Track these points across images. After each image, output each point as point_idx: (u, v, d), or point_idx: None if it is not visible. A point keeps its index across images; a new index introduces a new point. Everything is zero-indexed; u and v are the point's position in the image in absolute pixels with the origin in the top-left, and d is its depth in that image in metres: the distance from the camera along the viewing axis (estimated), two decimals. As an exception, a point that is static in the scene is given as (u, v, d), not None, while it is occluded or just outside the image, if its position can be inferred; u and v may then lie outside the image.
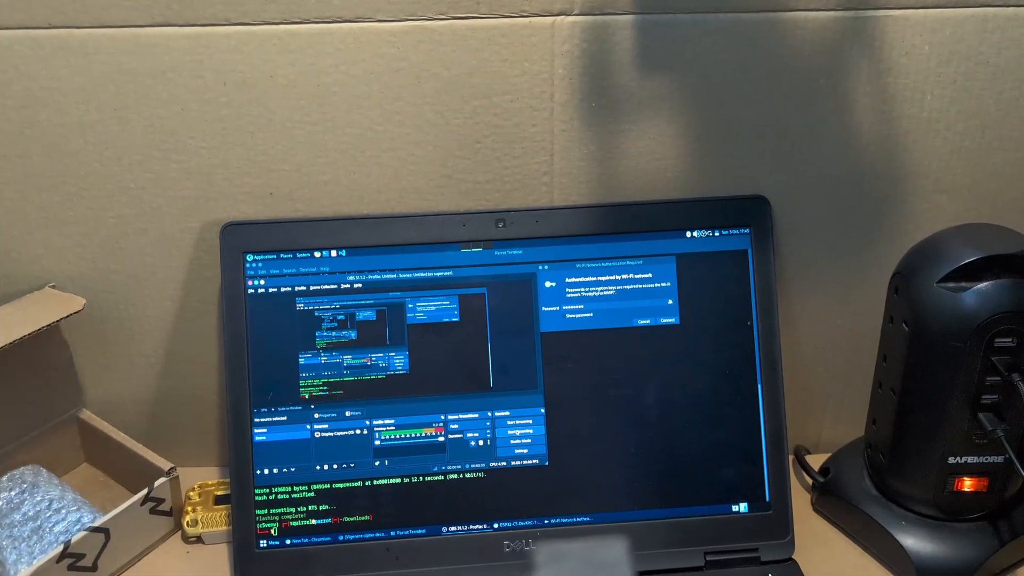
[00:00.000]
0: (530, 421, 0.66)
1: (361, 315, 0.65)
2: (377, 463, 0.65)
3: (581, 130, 0.65)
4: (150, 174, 0.66)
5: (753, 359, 0.66)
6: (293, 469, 0.65)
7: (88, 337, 0.71)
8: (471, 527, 0.65)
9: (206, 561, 0.68)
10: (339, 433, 0.65)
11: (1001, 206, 0.68)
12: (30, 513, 0.66)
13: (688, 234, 0.66)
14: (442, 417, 0.65)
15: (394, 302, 0.66)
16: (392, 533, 0.65)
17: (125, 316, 0.70)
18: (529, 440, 0.66)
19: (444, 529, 0.65)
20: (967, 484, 0.63)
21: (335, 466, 0.65)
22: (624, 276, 0.66)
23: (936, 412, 0.61)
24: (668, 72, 0.64)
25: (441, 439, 0.65)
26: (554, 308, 0.66)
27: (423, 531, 0.65)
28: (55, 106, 0.63)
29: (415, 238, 0.66)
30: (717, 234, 0.67)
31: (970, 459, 0.62)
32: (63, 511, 0.66)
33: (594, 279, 0.66)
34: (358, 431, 0.65)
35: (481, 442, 0.65)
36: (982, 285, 0.58)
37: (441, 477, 0.65)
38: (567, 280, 0.66)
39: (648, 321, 0.66)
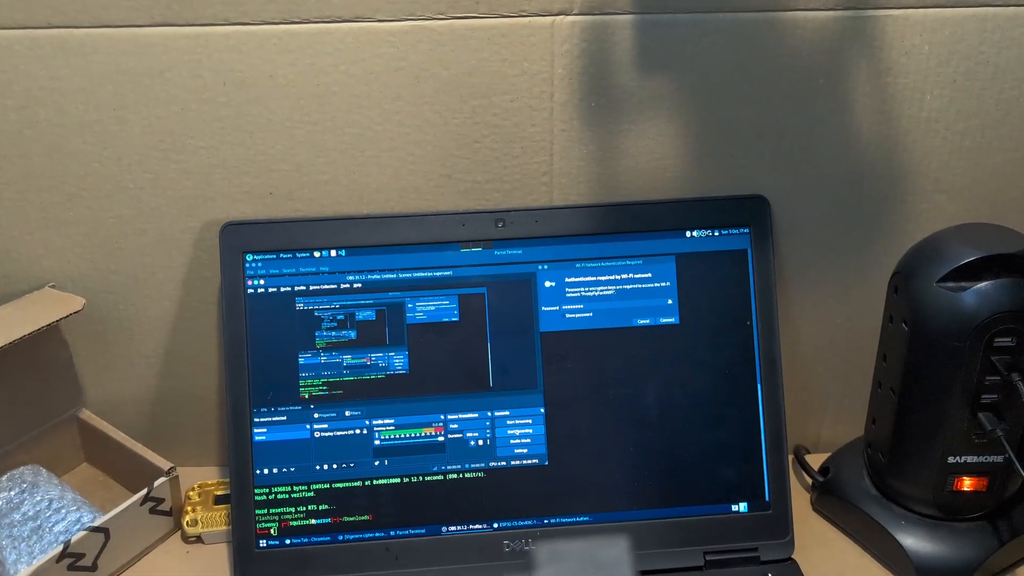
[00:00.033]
0: (530, 421, 0.66)
1: (361, 315, 0.65)
2: (377, 463, 0.65)
3: (581, 130, 0.65)
4: (149, 174, 0.66)
5: (753, 359, 0.66)
6: (293, 469, 0.65)
7: (88, 337, 0.71)
8: (471, 527, 0.65)
9: (206, 561, 0.68)
10: (339, 433, 0.65)
11: (1001, 206, 0.68)
12: (30, 513, 0.66)
13: (688, 234, 0.66)
14: (442, 417, 0.66)
15: (394, 302, 0.66)
16: (392, 533, 0.65)
17: (125, 316, 0.70)
18: (529, 440, 0.66)
19: (444, 529, 0.65)
20: (967, 484, 0.63)
21: (335, 466, 0.65)
22: (624, 276, 0.66)
23: (936, 412, 0.61)
24: (668, 72, 0.64)
25: (441, 439, 0.65)
26: (554, 308, 0.66)
27: (423, 531, 0.65)
28: (54, 106, 0.63)
29: (415, 238, 0.66)
30: (717, 234, 0.67)
31: (970, 459, 0.62)
32: (63, 511, 0.66)
33: (594, 279, 0.66)
34: (358, 431, 0.65)
35: (481, 442, 0.66)
36: (982, 285, 0.58)
37: (441, 477, 0.65)
38: (567, 280, 0.66)
39: (648, 321, 0.66)
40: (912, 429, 0.63)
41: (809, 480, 0.72)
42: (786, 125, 0.66)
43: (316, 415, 0.65)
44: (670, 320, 0.66)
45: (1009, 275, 0.59)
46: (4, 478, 0.69)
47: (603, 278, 0.66)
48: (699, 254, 0.66)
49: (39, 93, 0.63)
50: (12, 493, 0.68)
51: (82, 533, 0.62)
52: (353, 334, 0.65)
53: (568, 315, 0.66)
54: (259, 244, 0.65)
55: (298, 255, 0.65)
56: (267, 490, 0.65)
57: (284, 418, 0.65)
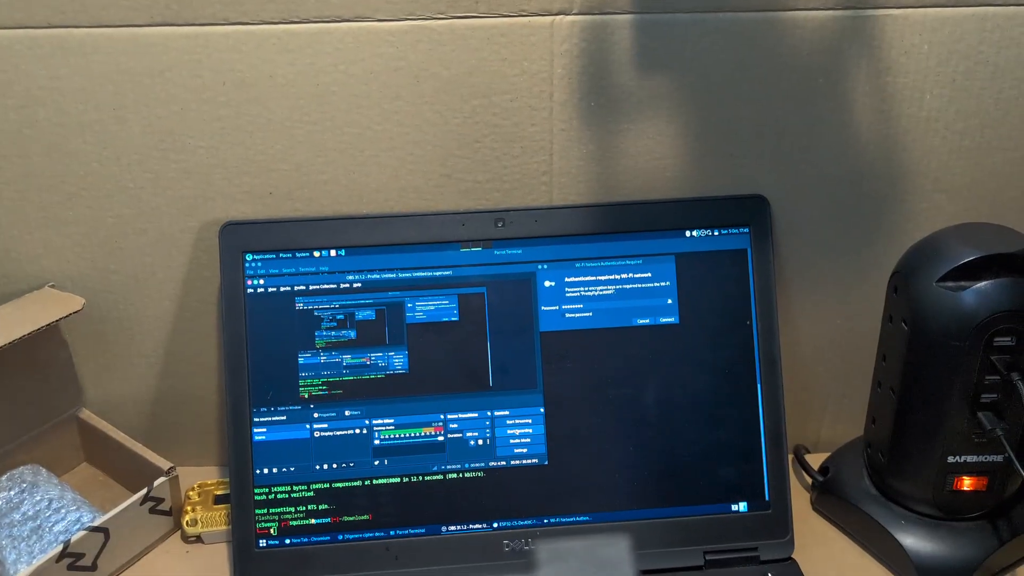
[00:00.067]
0: (529, 420, 0.66)
1: (360, 315, 0.65)
2: (376, 463, 0.65)
3: (580, 129, 0.65)
4: (149, 174, 0.66)
5: (752, 358, 0.66)
6: (292, 469, 0.65)
7: (88, 337, 0.71)
8: (470, 527, 0.65)
9: (205, 561, 0.68)
10: (338, 433, 0.65)
11: (1000, 205, 0.68)
12: (30, 512, 0.66)
13: (687, 233, 0.66)
14: (441, 416, 0.66)
15: (393, 301, 0.66)
16: (391, 533, 0.65)
17: (124, 316, 0.70)
18: (528, 439, 0.66)
19: (443, 528, 0.65)
20: (966, 483, 0.63)
21: (334, 465, 0.65)
22: (623, 275, 0.66)
23: (935, 411, 0.61)
24: (667, 71, 0.64)
25: (440, 439, 0.65)
26: (553, 307, 0.66)
27: (422, 530, 0.65)
28: (54, 106, 0.63)
29: (414, 237, 0.66)
30: (716, 233, 0.67)
31: (969, 458, 0.62)
32: (63, 511, 0.66)
33: (593, 278, 0.66)
34: (357, 431, 0.65)
35: (480, 441, 0.65)
36: (981, 284, 0.58)
37: (440, 476, 0.65)
38: (566, 279, 0.66)
39: (647, 320, 0.66)
40: (912, 429, 0.63)
41: (809, 480, 0.72)
42: (786, 125, 0.66)
43: (316, 415, 0.65)
44: (670, 320, 0.66)
45: (1009, 275, 0.59)
46: (4, 478, 0.69)
47: (603, 278, 0.66)
48: (699, 254, 0.66)
49: (39, 93, 0.63)
50: (12, 493, 0.68)
51: (82, 533, 0.62)
52: (353, 334, 0.65)
53: (568, 315, 0.66)
54: (259, 244, 0.65)
55: (298, 255, 0.65)
56: (267, 490, 0.65)
57: (284, 418, 0.65)
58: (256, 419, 0.65)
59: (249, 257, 0.65)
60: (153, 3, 0.61)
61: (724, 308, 0.66)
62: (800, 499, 0.72)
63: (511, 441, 0.66)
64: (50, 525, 0.65)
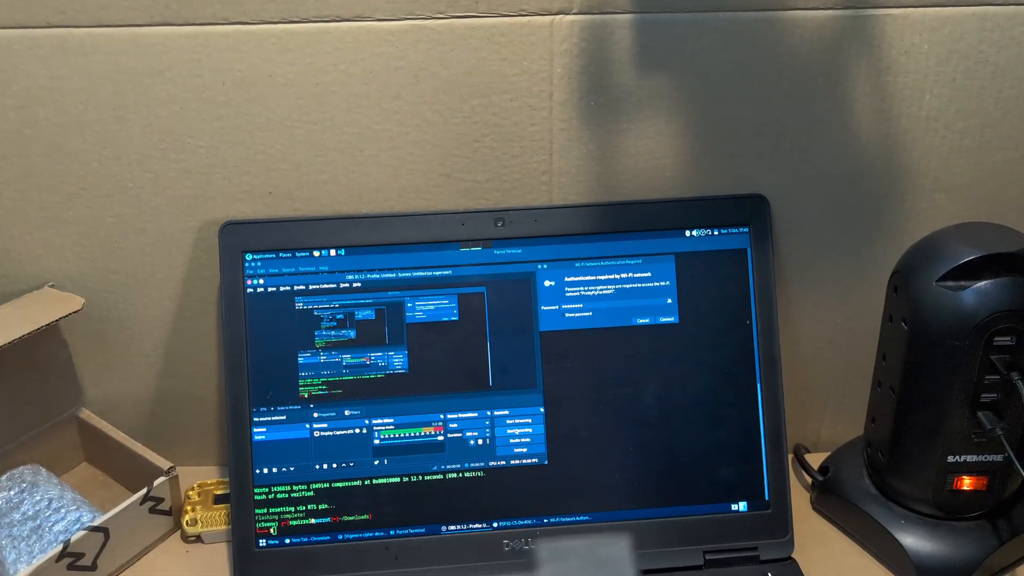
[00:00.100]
0: (529, 420, 0.66)
1: (360, 314, 0.65)
2: (376, 462, 0.65)
3: (580, 129, 0.65)
4: (149, 173, 0.66)
5: (752, 358, 0.66)
6: (292, 468, 0.65)
7: (87, 336, 0.71)
8: (470, 526, 0.65)
9: (205, 560, 0.68)
10: (338, 432, 0.65)
11: (1000, 205, 0.68)
12: (29, 512, 0.66)
13: (687, 233, 0.66)
14: (441, 416, 0.65)
15: (393, 301, 0.66)
16: (391, 532, 0.65)
17: (124, 315, 0.70)
18: (528, 439, 0.66)
19: (443, 528, 0.65)
20: (966, 483, 0.63)
21: (334, 465, 0.65)
22: (623, 275, 0.66)
23: (935, 411, 0.61)
24: (667, 71, 0.64)
25: (440, 438, 0.65)
26: (553, 307, 0.66)
27: (422, 530, 0.65)
28: (54, 105, 0.63)
29: (414, 237, 0.66)
30: (716, 233, 0.67)
31: (969, 458, 0.62)
32: (62, 510, 0.66)
33: (593, 278, 0.66)
34: (357, 430, 0.65)
35: (480, 441, 0.65)
36: (981, 284, 0.58)
37: (440, 476, 0.65)
38: (566, 279, 0.66)
39: (647, 320, 0.66)
40: (912, 428, 0.63)
41: (809, 479, 0.72)
42: (786, 124, 0.66)
43: (315, 414, 0.65)
44: (670, 319, 0.66)
45: (1008, 274, 0.58)
46: (4, 478, 0.69)
47: (602, 277, 0.66)
48: (699, 253, 0.66)
49: (39, 92, 0.63)
50: (12, 493, 0.68)
51: (82, 532, 0.62)
52: (352, 333, 0.65)
53: (567, 314, 0.66)
54: (258, 243, 0.65)
55: (297, 254, 0.65)
56: (267, 489, 0.65)
57: (284, 417, 0.65)
58: (256, 419, 0.65)
59: (249, 257, 0.65)
60: (153, 3, 0.61)
61: (724, 308, 0.66)
62: (800, 499, 0.72)
63: (511, 441, 0.66)
64: (50, 525, 0.65)
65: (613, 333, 0.66)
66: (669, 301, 0.66)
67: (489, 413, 0.66)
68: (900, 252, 0.64)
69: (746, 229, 0.67)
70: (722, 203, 0.67)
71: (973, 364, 0.59)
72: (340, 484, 0.65)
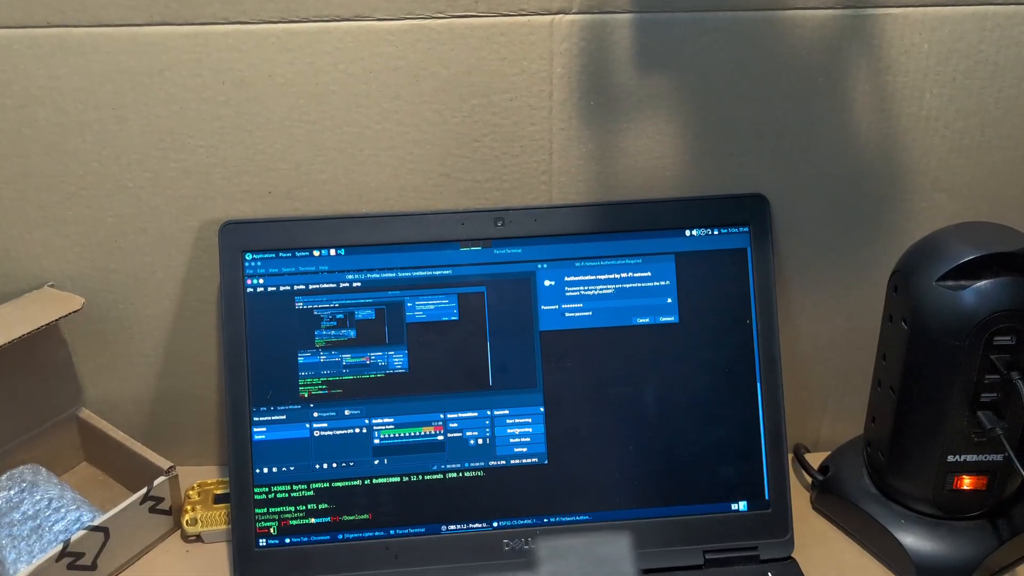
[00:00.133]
0: (529, 420, 0.66)
1: (360, 314, 0.65)
2: (376, 462, 0.65)
3: (580, 129, 0.65)
4: (149, 173, 0.66)
5: (752, 357, 0.66)
6: (292, 468, 0.65)
7: (87, 336, 0.71)
8: (470, 526, 0.65)
9: (205, 560, 0.68)
10: (338, 432, 0.65)
11: (1000, 204, 0.68)
12: (29, 512, 0.66)
13: (687, 233, 0.66)
14: (441, 416, 0.65)
15: (393, 301, 0.65)
16: (391, 532, 0.65)
17: (124, 315, 0.70)
18: (528, 439, 0.66)
19: (443, 528, 0.65)
20: (966, 482, 0.63)
21: (334, 465, 0.65)
22: (623, 275, 0.66)
23: (935, 410, 0.61)
24: (667, 71, 0.64)
25: (440, 438, 0.65)
26: (553, 307, 0.66)
27: (422, 530, 0.65)
28: (53, 105, 0.63)
29: (414, 237, 0.66)
30: (716, 233, 0.67)
31: (969, 457, 0.62)
32: (62, 510, 0.66)
33: (593, 278, 0.66)
34: (357, 430, 0.65)
35: (480, 441, 0.65)
36: (981, 283, 0.58)
37: (440, 476, 0.65)
38: (566, 279, 0.66)
39: (647, 320, 0.66)
40: (912, 428, 0.63)
41: (809, 479, 0.72)
42: (785, 124, 0.66)
43: (315, 414, 0.65)
44: (669, 319, 0.66)
45: (1008, 274, 0.58)
46: (4, 477, 0.69)
47: (602, 277, 0.66)
48: (698, 253, 0.66)
49: (38, 92, 0.63)
50: (12, 492, 0.68)
51: (82, 532, 0.62)
52: (352, 333, 0.65)
53: (567, 314, 0.66)
54: (258, 243, 0.65)
55: (297, 254, 0.65)
56: (267, 489, 0.65)
57: (283, 417, 0.65)
58: (256, 418, 0.65)
59: (249, 256, 0.65)
60: (152, 2, 0.61)
61: (724, 307, 0.66)
62: (800, 498, 0.72)
63: (511, 440, 0.66)
64: (50, 524, 0.65)
65: (613, 333, 0.66)
66: (669, 301, 0.66)
67: (489, 413, 0.66)
68: (900, 252, 0.64)
69: (746, 229, 0.67)
70: (722, 203, 0.67)
71: (973, 364, 0.59)
72: (340, 484, 0.65)
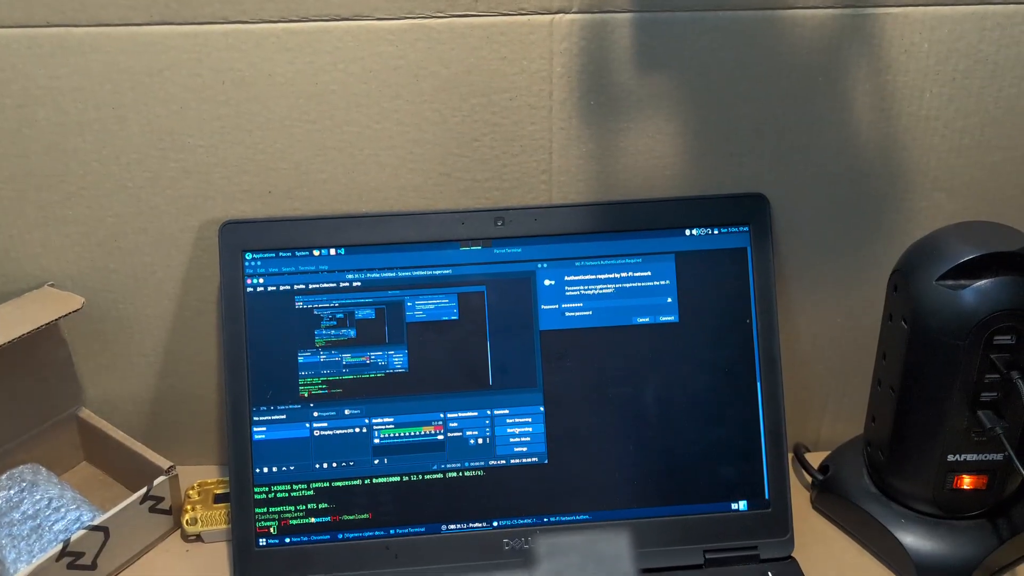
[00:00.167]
0: (529, 419, 0.66)
1: (360, 313, 0.65)
2: (376, 461, 0.65)
3: (580, 128, 0.65)
4: (149, 173, 0.66)
5: (752, 357, 0.66)
6: (292, 467, 0.65)
7: (87, 336, 0.71)
8: (470, 525, 0.65)
9: (205, 560, 0.68)
10: (338, 431, 0.65)
11: (1000, 204, 0.68)
12: (29, 512, 0.66)
13: (687, 232, 0.66)
14: (441, 415, 0.65)
15: (393, 300, 0.65)
16: (391, 531, 0.65)
17: (124, 315, 0.70)
18: (528, 438, 0.66)
19: (443, 527, 0.65)
20: (966, 482, 0.63)
21: (334, 464, 0.65)
22: (623, 274, 0.66)
23: (935, 410, 0.61)
24: (667, 70, 0.64)
25: (440, 437, 0.65)
26: (553, 306, 0.66)
27: (422, 529, 0.65)
28: (53, 105, 0.63)
29: (414, 236, 0.66)
30: (716, 232, 0.67)
31: (969, 457, 0.62)
32: (62, 510, 0.66)
33: (593, 277, 0.66)
34: (357, 429, 0.65)
35: (480, 440, 0.65)
36: (981, 283, 0.58)
37: (440, 475, 0.65)
38: (566, 278, 0.66)
39: (647, 319, 0.66)
40: (912, 427, 0.63)
41: (809, 478, 0.72)
42: (785, 123, 0.66)
43: (315, 414, 0.65)
44: (669, 318, 0.66)
45: (1008, 273, 0.58)
46: (4, 477, 0.69)
47: (602, 276, 0.66)
48: (698, 252, 0.66)
49: (38, 92, 0.63)
50: (12, 492, 0.68)
51: (81, 532, 0.62)
52: (352, 333, 0.65)
53: (567, 313, 0.66)
54: (258, 243, 0.65)
55: (297, 254, 0.65)
56: (267, 489, 0.65)
57: (283, 417, 0.65)
58: (256, 418, 0.65)
59: (249, 256, 0.65)
60: (152, 2, 0.61)
61: (724, 307, 0.66)
62: (800, 498, 0.72)
63: (511, 440, 0.66)
64: (50, 524, 0.65)
65: (613, 332, 0.66)
66: (669, 300, 0.66)
67: (489, 412, 0.66)
68: (900, 251, 0.64)
69: (746, 228, 0.67)
70: (722, 202, 0.67)
71: (973, 363, 0.59)
72: (340, 483, 0.65)
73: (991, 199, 0.68)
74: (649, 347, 0.66)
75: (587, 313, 0.66)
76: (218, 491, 0.70)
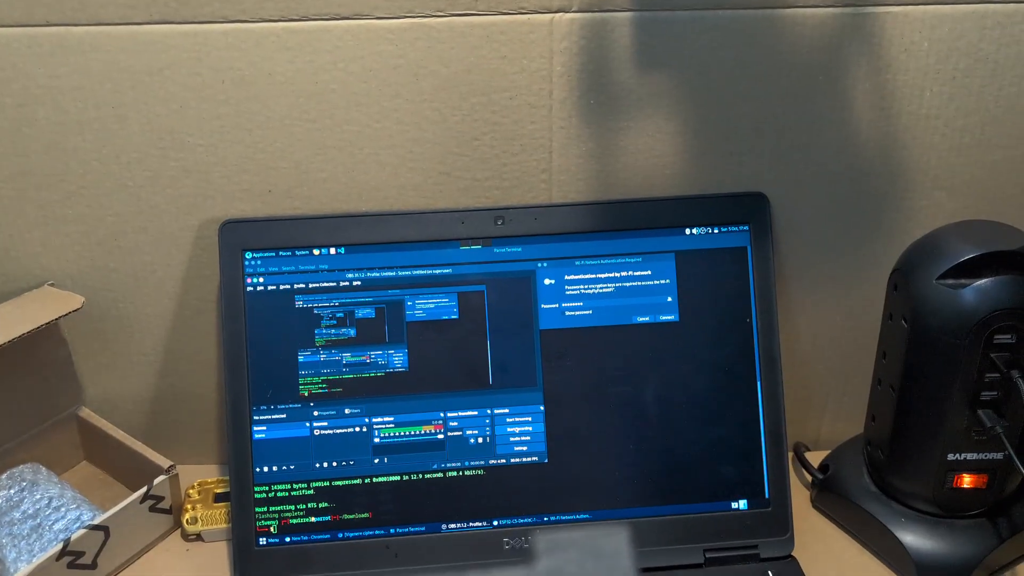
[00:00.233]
0: (529, 419, 0.66)
1: (360, 312, 0.65)
2: (376, 461, 0.65)
3: (579, 127, 0.65)
4: (149, 172, 0.66)
5: (752, 356, 0.66)
6: (292, 467, 0.65)
7: (87, 335, 0.71)
8: (470, 524, 0.65)
9: (206, 559, 0.68)
10: (338, 431, 0.65)
11: (1000, 202, 0.68)
12: (30, 511, 0.66)
13: (687, 231, 0.66)
14: (441, 415, 0.65)
15: (393, 299, 0.65)
16: (391, 531, 0.65)
17: (124, 314, 0.70)
18: (528, 438, 0.66)
19: (443, 527, 0.65)
20: (966, 481, 0.63)
21: (334, 464, 0.65)
22: (623, 273, 0.66)
23: (935, 409, 0.61)
24: (667, 69, 0.64)
25: (440, 437, 0.65)
26: (553, 305, 0.66)
27: (422, 528, 0.65)
28: (53, 104, 0.63)
29: (414, 235, 0.66)
30: (716, 231, 0.66)
31: (969, 456, 0.62)
32: (63, 509, 0.66)
33: (593, 276, 0.66)
34: (357, 429, 0.65)
35: (480, 440, 0.65)
36: (981, 282, 0.58)
37: (440, 475, 0.65)
38: (566, 277, 0.66)
39: (647, 318, 0.66)
40: (912, 426, 0.63)
41: (809, 477, 0.72)
42: (785, 122, 0.66)
43: (316, 413, 0.65)
44: (670, 318, 0.66)
45: (1009, 272, 0.58)
46: (4, 476, 0.69)
47: (602, 275, 0.66)
48: (699, 251, 0.66)
49: (37, 91, 0.63)
50: (12, 491, 0.68)
51: (82, 531, 0.62)
52: (352, 332, 0.65)
53: (568, 312, 0.66)
54: (258, 242, 0.65)
55: (297, 253, 0.65)
56: (267, 488, 0.65)
57: (284, 416, 0.65)
58: (256, 417, 0.65)
59: (249, 255, 0.65)
60: (152, 1, 0.61)
61: (724, 306, 0.66)
62: (800, 497, 0.72)
63: (511, 439, 0.66)
64: (50, 523, 0.65)
65: (613, 331, 0.66)
66: (669, 299, 0.66)
67: (489, 411, 0.66)
68: (900, 250, 0.64)
69: (746, 227, 0.67)
70: (722, 201, 0.67)
71: (973, 362, 0.59)
72: (340, 482, 0.65)
73: (991, 198, 0.68)
74: (649, 346, 0.66)
75: (587, 312, 0.66)
76: (218, 490, 0.70)
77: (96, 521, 0.63)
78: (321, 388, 0.65)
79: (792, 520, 0.66)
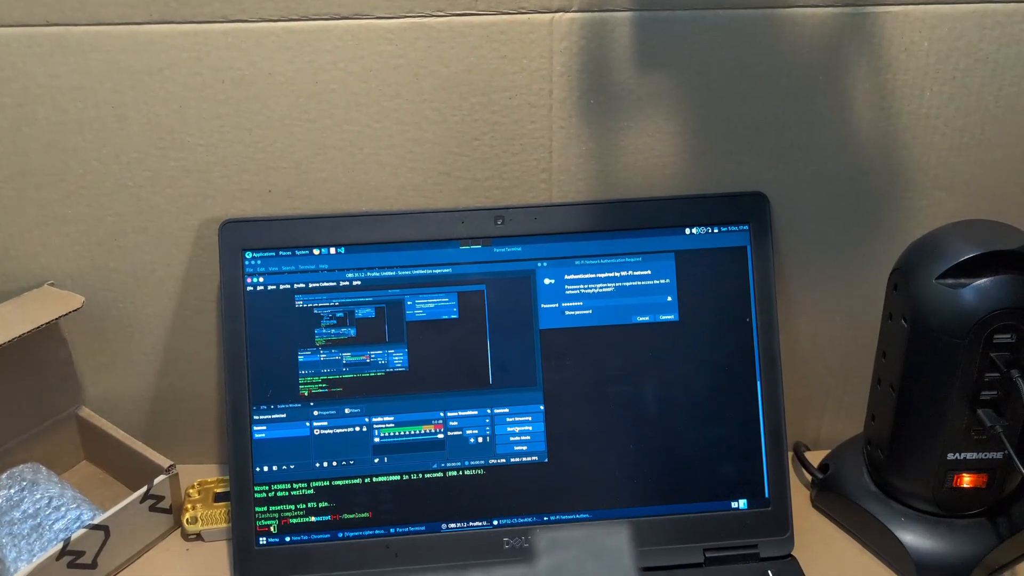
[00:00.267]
0: (529, 418, 0.66)
1: (360, 312, 0.65)
2: (376, 460, 0.65)
3: (579, 127, 0.65)
4: (148, 172, 0.66)
5: (752, 356, 0.66)
6: (292, 466, 0.65)
7: (87, 335, 0.71)
8: (470, 524, 0.65)
9: (206, 558, 0.68)
10: (338, 430, 0.65)
11: (1000, 202, 0.68)
12: (30, 511, 0.66)
13: (687, 231, 0.66)
14: (441, 414, 0.65)
15: (393, 299, 0.65)
16: (391, 530, 0.65)
17: (124, 314, 0.70)
18: (528, 437, 0.66)
19: (443, 526, 0.65)
20: (966, 480, 0.63)
21: (334, 463, 0.65)
22: (623, 273, 0.66)
23: (935, 408, 0.61)
24: (667, 69, 0.64)
25: (440, 436, 0.65)
26: (553, 305, 0.66)
27: (422, 528, 0.65)
28: (53, 104, 0.63)
29: (414, 235, 0.66)
30: (716, 231, 0.67)
31: (969, 455, 0.62)
32: (63, 509, 0.66)
33: (593, 276, 0.66)
34: (357, 428, 0.65)
35: (480, 439, 0.65)
36: (981, 281, 0.58)
37: (440, 474, 0.65)
38: (566, 277, 0.66)
39: (647, 318, 0.66)
40: (912, 426, 0.63)
41: (809, 477, 0.72)
42: (785, 122, 0.66)
43: (316, 412, 0.65)
44: (669, 317, 0.66)
45: (1008, 272, 0.58)
46: (4, 476, 0.69)
47: (602, 275, 0.66)
48: (698, 251, 0.66)
49: (37, 91, 0.63)
50: (12, 491, 0.68)
51: (82, 531, 0.63)
52: (352, 331, 0.65)
53: (567, 312, 0.66)
54: (258, 242, 0.65)
55: (297, 252, 0.65)
56: (267, 488, 0.65)
57: (284, 416, 0.65)
58: (256, 417, 0.65)
59: (249, 255, 0.65)
60: (152, 1, 0.61)
61: (724, 305, 0.66)
62: (800, 496, 0.72)
63: (511, 439, 0.66)
64: (50, 523, 0.65)
65: (613, 331, 0.66)
66: (669, 299, 0.66)
67: (489, 411, 0.66)
68: (900, 249, 0.64)
69: (746, 227, 0.67)
70: (722, 201, 0.67)
71: (973, 362, 0.59)
72: (340, 482, 0.65)
73: (991, 197, 0.68)
74: (649, 346, 0.66)
75: (587, 312, 0.66)
76: (218, 490, 0.70)
77: (96, 521, 0.63)
78: (321, 388, 0.65)
79: (792, 520, 0.66)
